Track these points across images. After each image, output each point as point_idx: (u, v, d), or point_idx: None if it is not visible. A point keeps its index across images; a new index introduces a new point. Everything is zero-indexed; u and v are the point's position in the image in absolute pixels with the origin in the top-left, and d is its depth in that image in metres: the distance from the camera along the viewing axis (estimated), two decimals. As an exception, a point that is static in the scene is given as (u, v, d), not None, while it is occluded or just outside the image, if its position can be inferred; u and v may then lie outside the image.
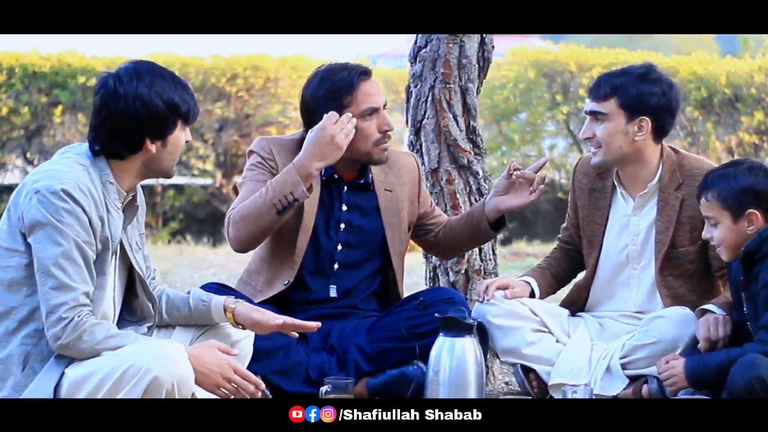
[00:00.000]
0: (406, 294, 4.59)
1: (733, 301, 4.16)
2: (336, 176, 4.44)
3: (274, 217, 4.19)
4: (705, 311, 4.24)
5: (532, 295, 4.55)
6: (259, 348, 4.02)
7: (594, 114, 4.38)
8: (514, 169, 4.39)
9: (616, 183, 4.51)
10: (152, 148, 3.61)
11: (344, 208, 4.44)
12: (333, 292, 4.44)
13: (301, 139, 4.37)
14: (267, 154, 4.42)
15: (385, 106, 4.39)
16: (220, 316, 3.82)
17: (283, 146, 4.45)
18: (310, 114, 4.35)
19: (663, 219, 4.42)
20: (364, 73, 4.36)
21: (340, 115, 4.23)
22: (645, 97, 4.34)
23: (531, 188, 4.39)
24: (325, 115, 4.18)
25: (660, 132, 4.40)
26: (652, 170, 4.44)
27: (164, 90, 3.59)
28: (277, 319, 3.82)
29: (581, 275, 4.66)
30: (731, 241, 4.05)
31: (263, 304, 4.34)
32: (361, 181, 4.47)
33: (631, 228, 4.49)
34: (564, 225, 4.71)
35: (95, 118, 3.61)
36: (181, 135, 3.66)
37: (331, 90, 4.33)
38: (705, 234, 4.13)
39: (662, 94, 4.36)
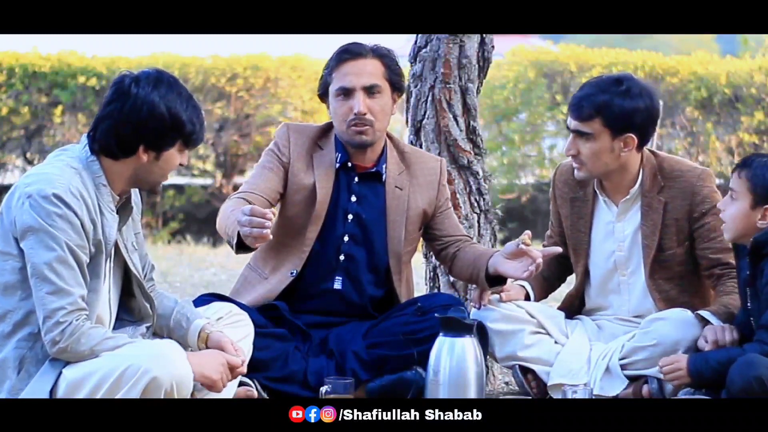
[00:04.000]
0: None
1: (740, 298, 4.15)
2: (350, 164, 4.44)
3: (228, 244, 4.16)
4: (702, 318, 4.23)
5: (527, 297, 4.55)
6: (256, 359, 4.02)
7: (578, 133, 4.33)
8: (524, 243, 4.21)
9: (597, 190, 4.49)
10: (144, 157, 3.59)
11: (353, 199, 4.44)
12: (338, 284, 4.43)
13: (326, 129, 4.48)
14: (284, 141, 4.46)
15: (372, 89, 4.34)
16: (194, 342, 3.78)
17: (303, 134, 4.49)
18: (319, 82, 4.47)
19: (648, 224, 4.41)
20: (346, 52, 4.38)
21: (327, 94, 4.38)
22: (630, 114, 4.28)
23: (528, 267, 4.20)
24: (263, 210, 3.93)
25: (643, 143, 4.38)
26: (633, 176, 4.42)
27: (175, 105, 3.57)
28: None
29: (572, 284, 4.66)
30: (738, 224, 4.04)
31: (278, 300, 4.35)
32: (373, 170, 4.46)
33: (616, 234, 4.48)
34: (548, 233, 4.71)
35: (101, 110, 3.61)
36: (176, 155, 3.63)
37: (327, 65, 4.43)
38: (720, 205, 4.10)
39: (645, 108, 4.30)
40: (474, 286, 4.84)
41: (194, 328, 3.78)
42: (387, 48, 4.45)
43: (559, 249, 4.32)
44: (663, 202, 4.39)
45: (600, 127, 4.29)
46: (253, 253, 4.49)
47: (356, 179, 4.45)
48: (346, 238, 4.43)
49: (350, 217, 4.43)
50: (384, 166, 4.47)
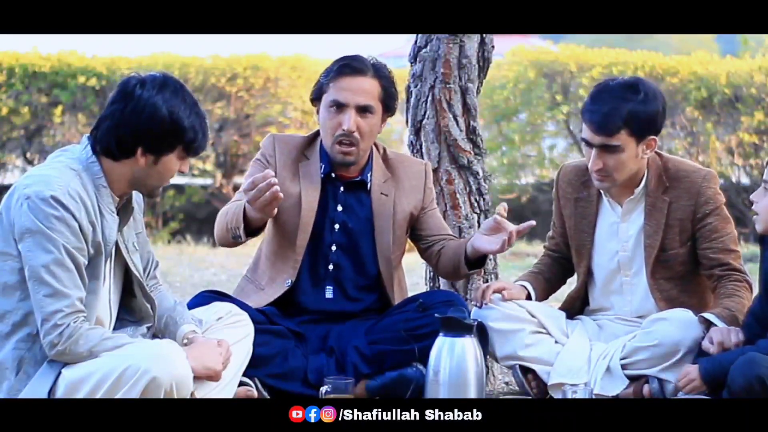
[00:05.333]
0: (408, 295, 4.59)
1: (760, 288, 4.13)
2: (333, 175, 4.45)
3: (231, 240, 4.24)
4: (706, 320, 4.22)
5: (528, 298, 4.55)
6: (257, 355, 4.03)
7: (604, 147, 4.30)
8: (499, 214, 4.24)
9: (602, 191, 4.49)
10: (142, 160, 3.59)
11: (339, 208, 4.45)
12: (329, 293, 4.45)
13: (311, 138, 4.50)
14: (269, 151, 4.49)
15: (365, 109, 4.35)
16: (181, 344, 3.77)
17: (288, 144, 4.51)
18: (313, 86, 4.48)
19: (651, 223, 4.41)
20: (350, 67, 4.38)
21: (319, 100, 4.40)
22: (653, 119, 4.30)
23: (503, 238, 4.22)
24: (264, 173, 4.07)
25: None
26: (639, 176, 4.43)
27: (178, 110, 3.57)
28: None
29: (574, 285, 4.65)
30: None
31: (268, 306, 4.36)
32: (358, 179, 4.46)
33: (620, 235, 4.48)
34: (550, 234, 4.71)
35: (104, 110, 3.61)
36: (175, 161, 3.63)
37: (325, 72, 4.43)
38: (753, 197, 4.08)
39: (663, 109, 4.34)
40: (475, 285, 4.85)
41: (180, 333, 3.79)
42: (387, 67, 4.45)
43: (533, 222, 4.30)
44: (667, 202, 4.40)
45: (627, 137, 4.28)
46: (249, 264, 4.56)
47: (342, 189, 4.46)
48: (333, 248, 4.45)
49: (336, 226, 4.45)
50: (369, 175, 4.48)
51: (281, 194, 4.05)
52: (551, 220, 4.70)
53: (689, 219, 4.40)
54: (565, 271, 4.69)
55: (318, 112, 4.45)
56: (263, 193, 4.01)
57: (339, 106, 4.36)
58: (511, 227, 4.21)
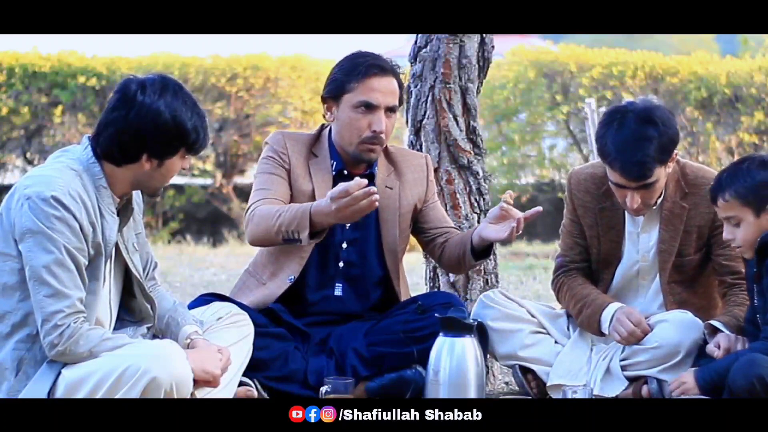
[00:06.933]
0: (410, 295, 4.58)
1: (748, 295, 4.15)
2: (345, 172, 4.43)
3: (280, 241, 4.18)
4: (713, 327, 4.21)
5: None
6: (256, 358, 4.02)
7: (643, 187, 4.24)
8: (505, 202, 4.18)
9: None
10: (147, 165, 3.58)
11: None
12: (338, 291, 4.43)
13: (317, 135, 4.46)
14: (281, 148, 4.42)
15: (392, 109, 4.33)
16: (183, 345, 3.77)
17: (298, 141, 4.46)
18: (327, 82, 4.39)
19: (668, 228, 4.39)
20: (378, 67, 4.33)
21: (339, 98, 4.30)
22: (675, 140, 4.26)
23: (512, 226, 4.17)
24: (355, 180, 4.00)
25: None
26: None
27: (180, 113, 3.56)
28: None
29: None
30: (755, 238, 4.01)
31: (275, 303, 4.35)
32: (367, 173, 4.45)
33: (641, 244, 4.45)
34: (567, 246, 4.55)
35: (105, 116, 3.58)
36: (178, 162, 3.62)
37: (346, 69, 4.35)
38: (726, 236, 4.08)
39: (675, 123, 4.29)
40: (476, 286, 4.83)
41: (182, 334, 3.78)
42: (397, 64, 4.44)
43: (540, 209, 4.25)
44: (686, 209, 4.37)
45: (659, 168, 4.23)
46: (252, 258, 4.54)
47: None
48: (344, 245, 4.42)
49: (347, 224, 4.42)
50: (375, 168, 4.46)
51: (378, 203, 3.99)
52: (561, 228, 4.57)
53: (707, 225, 4.37)
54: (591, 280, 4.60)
55: (329, 109, 4.39)
56: (358, 202, 3.95)
57: (369, 107, 4.32)
58: (519, 214, 4.16)
